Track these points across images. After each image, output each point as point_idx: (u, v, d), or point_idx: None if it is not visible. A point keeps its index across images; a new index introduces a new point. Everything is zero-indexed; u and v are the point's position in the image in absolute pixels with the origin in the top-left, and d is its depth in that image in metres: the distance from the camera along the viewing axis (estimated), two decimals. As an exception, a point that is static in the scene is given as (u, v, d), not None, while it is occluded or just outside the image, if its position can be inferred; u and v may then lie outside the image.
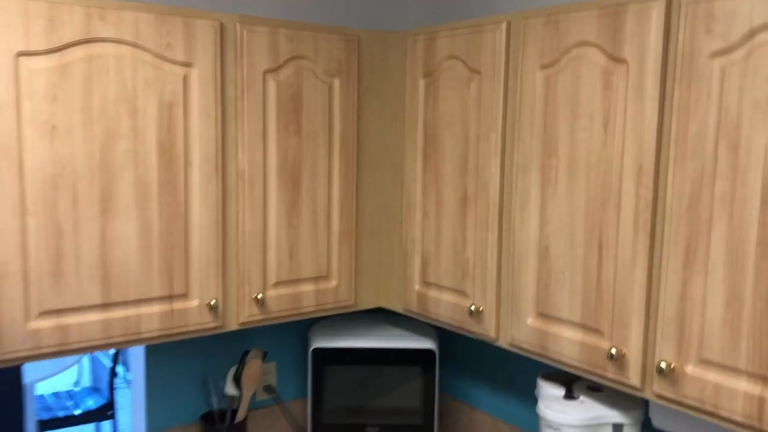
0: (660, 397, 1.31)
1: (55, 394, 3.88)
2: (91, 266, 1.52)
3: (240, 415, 1.96)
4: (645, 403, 1.58)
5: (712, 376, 1.22)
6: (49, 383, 5.51)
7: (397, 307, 1.95)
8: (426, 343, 2.01)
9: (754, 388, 1.16)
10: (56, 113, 1.45)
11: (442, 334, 2.29)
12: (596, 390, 1.64)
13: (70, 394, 3.88)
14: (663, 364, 1.27)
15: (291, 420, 2.19)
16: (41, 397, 3.85)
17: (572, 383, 1.66)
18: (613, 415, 1.55)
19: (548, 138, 1.48)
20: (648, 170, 1.30)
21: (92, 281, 1.53)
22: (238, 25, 1.65)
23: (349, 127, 1.87)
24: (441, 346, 2.31)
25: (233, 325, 1.75)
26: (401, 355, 2.01)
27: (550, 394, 1.64)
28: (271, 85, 1.73)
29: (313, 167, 1.82)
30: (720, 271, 1.20)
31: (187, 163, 1.62)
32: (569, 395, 1.62)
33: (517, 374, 2.05)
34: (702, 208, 1.22)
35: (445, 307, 1.77)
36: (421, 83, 1.80)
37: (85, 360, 5.99)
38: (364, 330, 2.10)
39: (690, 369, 1.25)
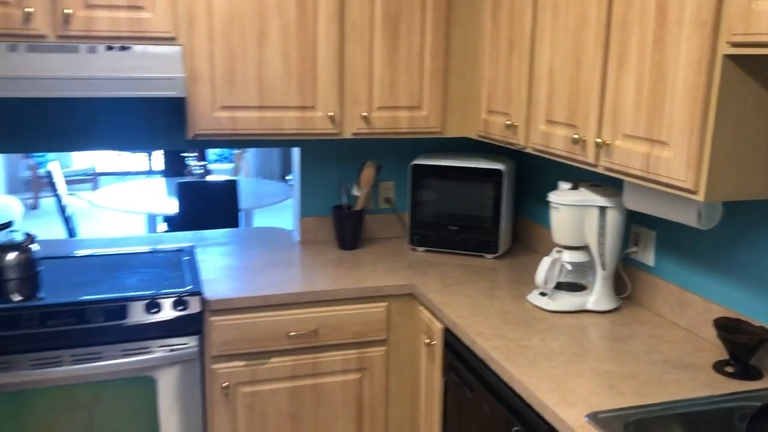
0: (605, 168, 1.80)
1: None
2: (252, 80, 2.35)
3: (357, 206, 2.73)
4: (631, 197, 2.04)
5: (628, 145, 1.70)
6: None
7: (473, 134, 2.55)
8: (497, 165, 2.59)
9: (645, 149, 1.63)
10: (231, -24, 2.26)
11: (519, 165, 2.85)
12: (596, 186, 2.13)
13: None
14: (599, 140, 1.77)
15: (401, 223, 2.93)
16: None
17: (580, 183, 2.16)
18: (600, 200, 2.05)
19: (556, -16, 1.97)
20: (604, -1, 1.76)
21: (252, 90, 2.36)
22: None
23: (440, -9, 2.46)
24: (517, 174, 2.87)
25: (347, 134, 2.49)
26: (477, 172, 2.62)
27: (561, 188, 2.16)
28: (378, -42, 2.38)
29: (410, 20, 2.45)
30: (633, 67, 1.65)
31: (315, 13, 2.36)
32: (574, 188, 2.13)
33: (571, 196, 2.55)
34: (627, 22, 1.67)
35: (498, 127, 2.35)
36: (491, -47, 2.33)
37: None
38: (453, 156, 2.74)
39: (617, 143, 1.74)
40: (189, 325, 2.16)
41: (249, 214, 4.69)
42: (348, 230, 2.73)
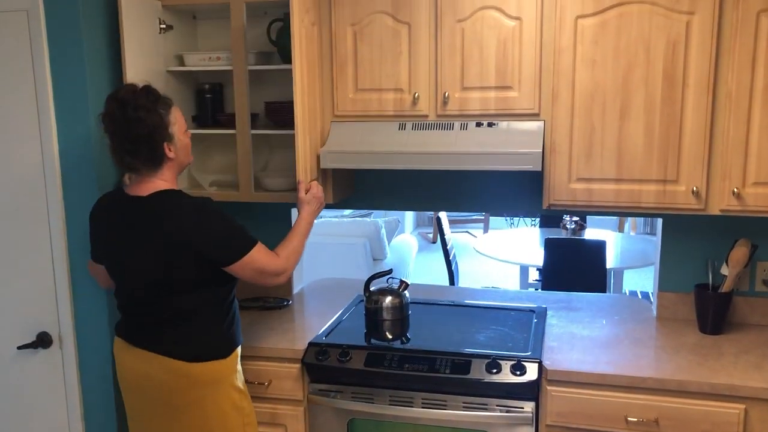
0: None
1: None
2: (610, 152, 2.34)
3: (725, 287, 2.47)
4: None
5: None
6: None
7: None
8: None
9: None
10: (596, 52, 2.29)
11: None
12: None
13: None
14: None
15: (781, 312, 2.55)
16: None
17: None
18: None
19: None
20: None
21: (610, 162, 2.34)
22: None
23: None
24: None
25: (714, 210, 2.29)
26: None
27: None
28: (764, 23, 2.15)
29: (801, 88, 2.16)
30: None
31: (684, 85, 2.24)
32: None
33: None
34: None
35: None
36: None
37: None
38: None
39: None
40: (526, 390, 2.24)
41: (619, 272, 4.56)
42: (711, 312, 2.49)
